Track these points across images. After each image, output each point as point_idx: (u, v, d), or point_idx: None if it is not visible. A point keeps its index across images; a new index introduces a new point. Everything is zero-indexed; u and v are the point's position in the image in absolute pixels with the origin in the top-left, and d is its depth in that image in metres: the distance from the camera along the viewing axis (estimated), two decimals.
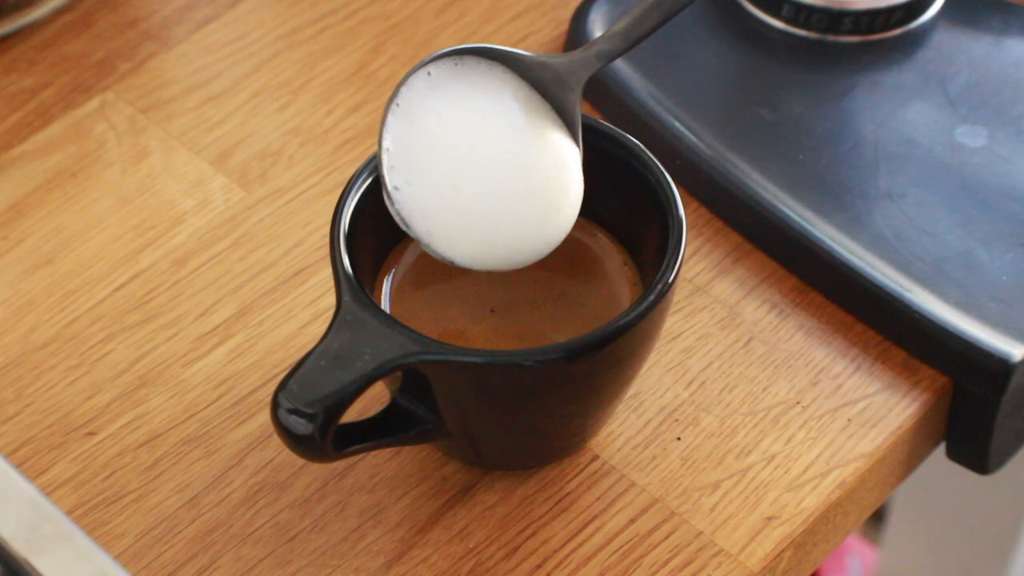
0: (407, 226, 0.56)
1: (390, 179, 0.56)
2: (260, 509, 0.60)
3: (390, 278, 0.60)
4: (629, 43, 0.58)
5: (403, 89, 0.57)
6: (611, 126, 0.60)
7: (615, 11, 0.72)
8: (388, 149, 0.56)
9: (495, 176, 0.56)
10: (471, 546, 0.59)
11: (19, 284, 0.66)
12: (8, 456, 0.61)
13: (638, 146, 0.59)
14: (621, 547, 0.59)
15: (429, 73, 0.57)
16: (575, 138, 0.58)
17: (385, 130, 0.56)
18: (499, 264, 0.57)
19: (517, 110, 0.57)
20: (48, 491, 0.61)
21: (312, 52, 0.74)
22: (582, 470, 0.61)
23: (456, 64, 0.57)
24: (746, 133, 0.69)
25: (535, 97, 0.58)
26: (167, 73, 0.73)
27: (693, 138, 0.68)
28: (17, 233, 0.68)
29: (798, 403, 0.63)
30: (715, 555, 0.59)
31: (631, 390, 0.63)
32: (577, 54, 0.58)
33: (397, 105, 0.56)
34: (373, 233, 0.59)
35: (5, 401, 0.63)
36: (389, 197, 0.56)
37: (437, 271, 0.60)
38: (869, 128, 0.69)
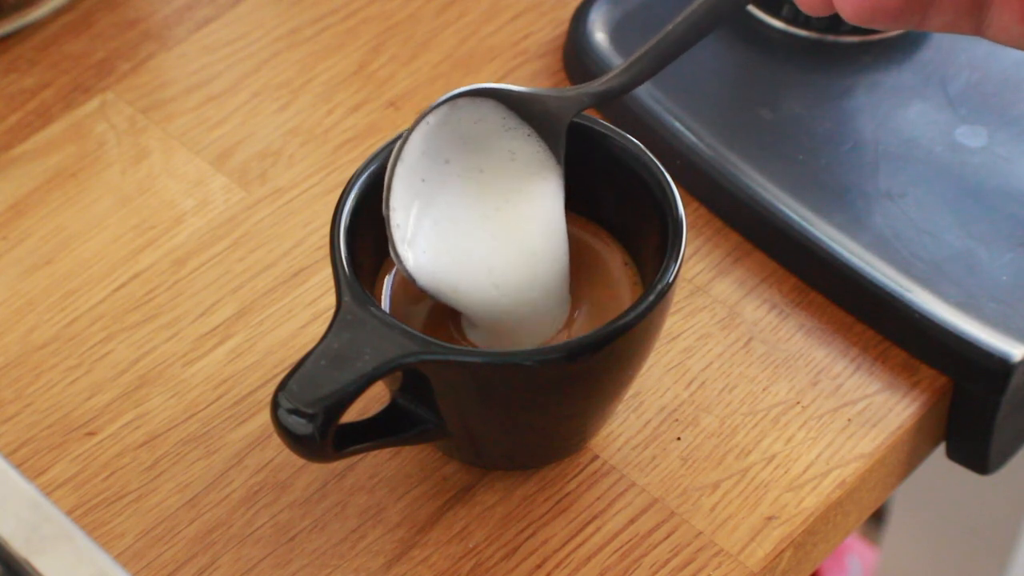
0: (415, 282, 0.56)
1: (398, 240, 0.56)
2: (260, 509, 0.60)
3: (390, 278, 0.60)
4: (623, 88, 0.59)
5: (407, 147, 0.56)
6: (611, 126, 0.60)
7: (615, 11, 0.72)
8: (395, 208, 0.56)
9: (508, 254, 0.58)
10: (471, 546, 0.59)
11: (19, 284, 0.66)
12: (8, 456, 0.61)
13: (638, 146, 0.59)
14: (621, 547, 0.59)
15: (428, 123, 0.57)
16: (559, 161, 0.58)
17: (392, 195, 0.56)
18: (508, 334, 0.58)
19: (513, 158, 0.58)
20: (48, 491, 0.61)
21: (312, 52, 0.74)
22: (582, 470, 0.61)
23: (451, 110, 0.57)
24: (746, 133, 0.69)
25: (525, 130, 0.58)
26: (167, 73, 0.73)
27: (693, 138, 0.68)
28: (17, 233, 0.68)
29: (798, 403, 0.63)
30: (715, 555, 0.59)
31: (631, 390, 0.63)
32: (570, 91, 0.58)
33: (402, 162, 0.56)
34: (373, 233, 0.59)
35: (5, 401, 0.63)
36: (399, 257, 0.56)
37: None
38: (869, 128, 0.69)
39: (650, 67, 0.58)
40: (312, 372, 0.53)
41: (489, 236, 0.58)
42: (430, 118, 0.57)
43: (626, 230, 0.61)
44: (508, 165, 0.58)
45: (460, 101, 0.57)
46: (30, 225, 0.68)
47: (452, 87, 0.72)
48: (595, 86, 0.59)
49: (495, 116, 0.58)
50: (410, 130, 0.57)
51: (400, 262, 0.56)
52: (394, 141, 0.58)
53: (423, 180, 0.57)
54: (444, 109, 0.57)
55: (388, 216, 0.56)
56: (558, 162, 0.59)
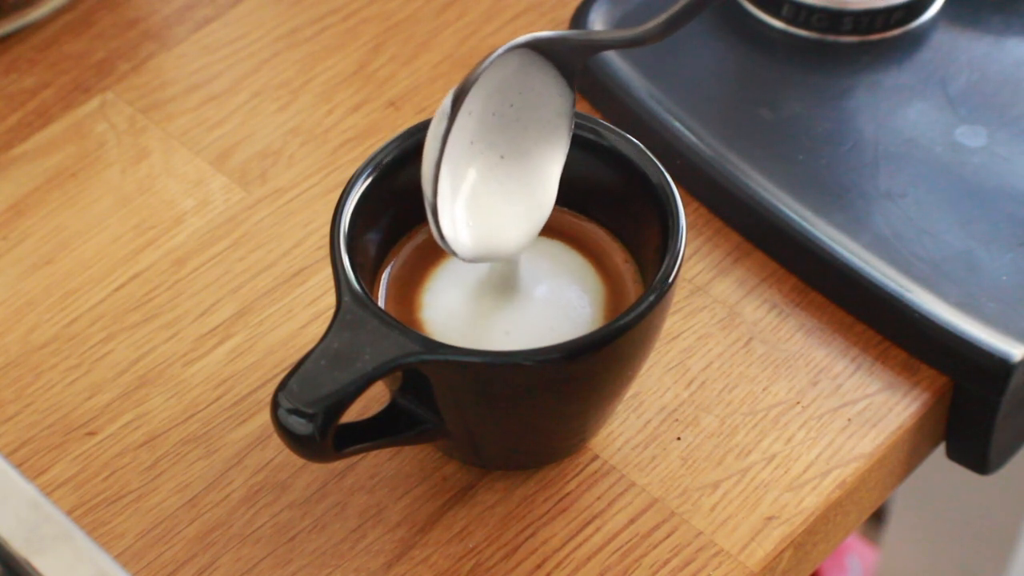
0: (456, 254, 0.56)
1: (444, 226, 0.56)
2: (260, 509, 0.60)
3: (388, 271, 0.60)
4: (646, 38, 0.57)
5: (450, 141, 0.56)
6: (611, 126, 0.60)
7: (615, 11, 0.72)
8: (443, 197, 0.56)
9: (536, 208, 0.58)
10: (471, 546, 0.59)
11: (19, 284, 0.66)
12: (8, 456, 0.61)
13: (638, 146, 0.59)
14: (621, 547, 0.59)
15: (470, 112, 0.57)
16: (573, 89, 0.58)
17: (440, 182, 0.56)
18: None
19: (522, 93, 0.57)
20: (48, 491, 0.61)
21: (312, 52, 0.74)
22: (582, 470, 0.61)
23: (486, 73, 0.56)
24: (746, 133, 0.69)
25: (541, 63, 0.57)
26: (167, 73, 0.73)
27: (693, 138, 0.68)
28: (17, 233, 0.68)
29: (798, 403, 0.63)
30: (715, 555, 0.59)
31: (631, 390, 0.63)
32: (598, 32, 0.57)
33: (448, 147, 0.56)
34: (373, 233, 0.59)
35: (5, 401, 0.63)
36: (443, 238, 0.56)
37: (434, 262, 0.60)
38: (869, 128, 0.69)
39: (675, 21, 0.57)
40: (312, 372, 0.53)
41: (498, 184, 0.58)
42: (474, 94, 0.56)
43: (626, 230, 0.61)
44: (516, 100, 0.58)
45: (496, 60, 0.56)
46: (30, 225, 0.68)
47: (452, 87, 0.72)
48: (623, 33, 0.57)
49: (516, 59, 0.57)
50: (452, 120, 0.56)
51: (443, 243, 0.56)
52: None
53: (450, 149, 0.56)
54: (482, 76, 0.56)
55: (435, 203, 0.56)
56: (571, 90, 0.58)
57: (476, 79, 0.55)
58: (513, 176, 0.58)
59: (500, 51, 0.56)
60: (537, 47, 0.57)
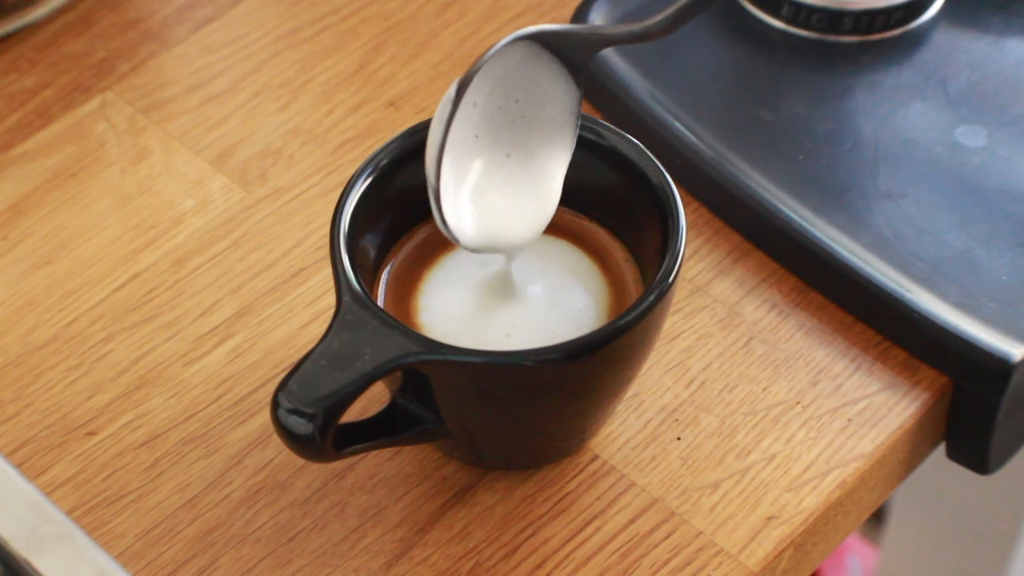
0: (459, 243, 0.56)
1: (447, 212, 0.56)
2: (260, 509, 0.60)
3: (387, 271, 0.60)
4: (652, 33, 0.57)
5: (453, 127, 0.56)
6: (611, 126, 0.60)
7: (615, 11, 0.72)
8: (447, 186, 0.56)
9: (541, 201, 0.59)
10: (471, 546, 0.59)
11: (19, 284, 0.66)
12: (8, 456, 0.61)
13: (638, 146, 0.59)
14: (621, 547, 0.59)
15: (475, 104, 0.57)
16: (579, 87, 0.58)
17: (443, 170, 0.56)
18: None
19: (527, 89, 0.57)
20: (48, 491, 0.61)
21: (312, 52, 0.74)
22: (582, 470, 0.61)
23: (491, 62, 0.56)
24: (746, 133, 0.69)
25: (547, 58, 0.57)
26: (167, 73, 0.73)
27: (693, 138, 0.68)
28: (17, 233, 0.68)
29: (798, 403, 0.63)
30: (715, 555, 0.59)
31: (631, 390, 0.63)
32: (603, 27, 0.57)
33: (452, 136, 0.56)
34: (373, 233, 0.59)
35: (5, 401, 0.63)
36: (446, 225, 0.56)
37: (435, 262, 0.60)
38: (869, 128, 0.69)
39: (680, 17, 0.57)
40: (312, 372, 0.53)
41: (503, 182, 0.58)
42: (475, 77, 0.56)
43: (626, 230, 0.61)
44: (522, 96, 0.58)
45: (502, 51, 0.56)
46: (30, 225, 0.68)
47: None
48: (628, 27, 0.57)
49: (521, 51, 0.57)
50: (455, 108, 0.56)
51: (447, 230, 0.56)
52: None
53: (454, 139, 0.56)
54: (487, 65, 0.56)
55: (437, 189, 0.55)
56: (578, 87, 0.58)
57: (482, 66, 0.55)
58: (518, 175, 0.58)
59: (506, 40, 0.56)
60: (542, 39, 0.57)
